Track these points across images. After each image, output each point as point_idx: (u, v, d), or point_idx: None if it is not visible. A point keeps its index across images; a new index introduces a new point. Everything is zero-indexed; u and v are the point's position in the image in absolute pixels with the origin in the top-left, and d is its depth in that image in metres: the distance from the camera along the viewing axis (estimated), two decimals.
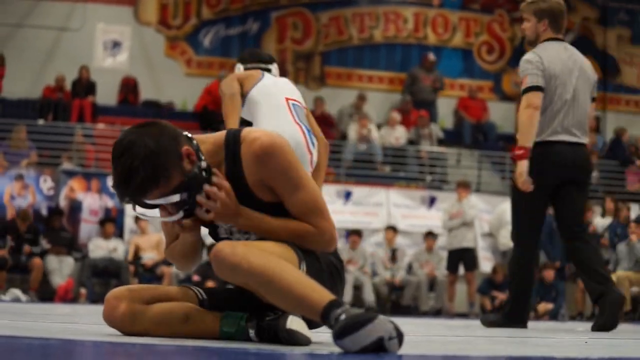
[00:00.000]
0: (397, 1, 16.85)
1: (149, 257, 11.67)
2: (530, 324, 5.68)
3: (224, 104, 4.45)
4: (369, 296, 11.74)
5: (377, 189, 13.38)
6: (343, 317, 2.19)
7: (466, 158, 14.99)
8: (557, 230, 5.44)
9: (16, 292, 10.30)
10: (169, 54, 15.88)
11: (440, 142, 15.02)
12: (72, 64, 14.40)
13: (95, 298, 11.00)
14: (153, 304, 2.73)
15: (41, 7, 15.32)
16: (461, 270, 12.05)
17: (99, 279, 11.72)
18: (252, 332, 2.63)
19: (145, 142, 2.52)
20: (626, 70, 17.49)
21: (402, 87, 16.02)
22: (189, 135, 2.69)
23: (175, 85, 15.34)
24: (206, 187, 2.61)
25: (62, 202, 12.31)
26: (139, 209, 2.65)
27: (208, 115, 13.39)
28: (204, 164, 2.63)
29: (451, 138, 15.40)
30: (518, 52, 5.66)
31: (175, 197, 2.57)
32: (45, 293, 10.99)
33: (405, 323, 3.21)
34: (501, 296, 11.17)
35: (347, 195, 13.12)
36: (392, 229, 12.52)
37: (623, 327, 6.80)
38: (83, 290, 11.43)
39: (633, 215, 11.75)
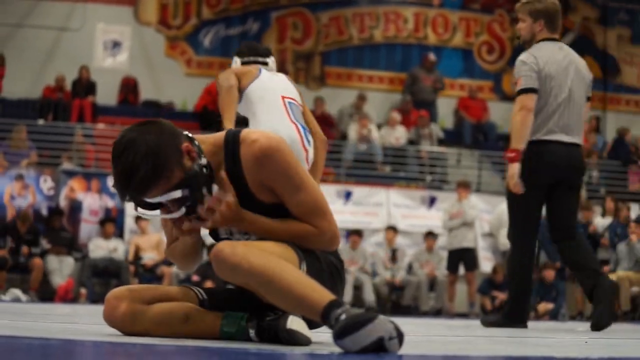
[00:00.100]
0: (397, 1, 16.85)
1: (149, 257, 11.67)
2: (531, 324, 5.68)
3: (221, 96, 4.48)
4: (369, 296, 11.74)
5: (377, 189, 13.38)
6: (343, 317, 2.19)
7: (466, 158, 14.99)
8: (548, 229, 5.44)
9: (16, 292, 10.30)
10: (169, 54, 15.88)
11: (441, 142, 15.02)
12: (72, 64, 14.40)
13: (96, 298, 11.00)
14: (153, 304, 2.73)
15: (41, 7, 15.31)
16: (461, 270, 12.05)
17: (99, 279, 11.72)
18: (252, 332, 2.63)
19: (145, 139, 2.52)
20: (626, 70, 17.48)
21: (403, 87, 16.02)
22: (189, 134, 2.69)
23: (175, 85, 15.34)
24: (207, 198, 2.61)
25: (62, 202, 12.31)
26: (140, 209, 2.65)
27: (208, 115, 13.38)
28: (204, 161, 2.63)
29: (451, 138, 15.40)
30: (518, 52, 5.64)
31: (177, 193, 2.57)
32: (45, 293, 10.99)
33: (405, 323, 3.21)
34: (501, 296, 11.17)
35: (348, 195, 13.12)
36: (392, 229, 12.52)
37: (623, 327, 6.81)
38: (83, 291, 11.43)
39: (633, 215, 11.75)
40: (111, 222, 11.93)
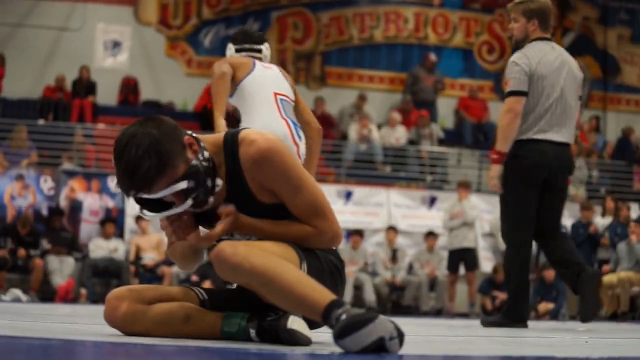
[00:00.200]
0: (398, 1, 16.85)
1: (150, 257, 11.67)
2: (531, 323, 5.68)
3: (214, 84, 4.67)
4: (370, 296, 11.75)
5: (377, 189, 13.38)
6: (344, 317, 2.18)
7: (467, 158, 14.99)
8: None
9: (16, 292, 10.30)
10: (169, 54, 15.88)
11: (441, 142, 15.02)
12: (72, 64, 14.40)
13: (96, 298, 11.00)
14: (154, 304, 2.73)
15: (41, 7, 15.32)
16: (462, 270, 12.05)
17: (100, 279, 11.72)
18: (253, 332, 2.63)
19: (147, 133, 2.53)
20: (627, 69, 17.48)
21: (403, 87, 16.02)
22: (189, 132, 2.70)
23: (176, 85, 15.34)
24: (217, 188, 2.64)
25: (63, 202, 12.31)
26: (145, 212, 2.65)
27: (208, 115, 13.36)
28: (206, 154, 2.64)
29: (452, 138, 15.40)
30: None
31: (182, 184, 2.57)
32: (45, 293, 11.00)
33: (405, 323, 3.21)
34: (502, 296, 11.17)
35: (348, 195, 13.12)
36: (392, 229, 12.52)
37: (623, 327, 6.81)
38: (83, 291, 11.43)
39: (633, 215, 11.75)
40: (111, 222, 11.93)
